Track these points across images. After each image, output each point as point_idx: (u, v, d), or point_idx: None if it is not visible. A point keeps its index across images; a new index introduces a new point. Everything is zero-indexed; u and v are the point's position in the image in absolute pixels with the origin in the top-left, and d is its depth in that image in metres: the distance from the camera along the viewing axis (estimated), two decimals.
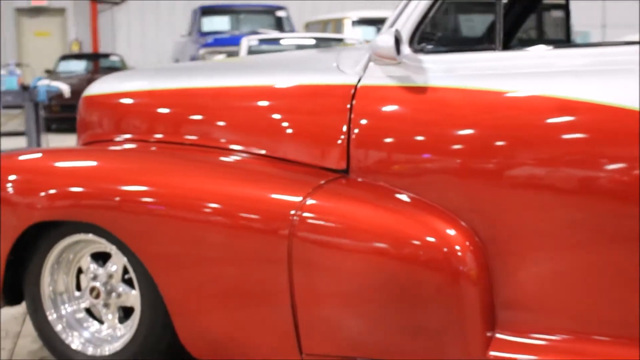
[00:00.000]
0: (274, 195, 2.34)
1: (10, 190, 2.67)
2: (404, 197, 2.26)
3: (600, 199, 2.06)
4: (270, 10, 14.48)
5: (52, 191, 2.60)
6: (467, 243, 2.16)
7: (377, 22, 11.91)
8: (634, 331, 2.07)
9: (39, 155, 2.86)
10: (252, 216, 2.32)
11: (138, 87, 2.93)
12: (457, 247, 2.15)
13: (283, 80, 2.58)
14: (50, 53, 17.96)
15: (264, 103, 2.56)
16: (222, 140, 2.61)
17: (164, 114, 2.78)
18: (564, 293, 2.14)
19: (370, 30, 12.28)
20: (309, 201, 2.26)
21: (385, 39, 2.20)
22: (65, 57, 15.48)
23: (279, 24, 14.02)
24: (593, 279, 2.10)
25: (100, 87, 3.09)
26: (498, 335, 2.18)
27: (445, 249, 2.14)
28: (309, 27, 14.38)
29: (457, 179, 2.21)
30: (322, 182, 2.34)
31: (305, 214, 2.25)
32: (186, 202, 2.40)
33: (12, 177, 2.69)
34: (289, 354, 2.32)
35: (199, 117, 2.70)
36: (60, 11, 19.48)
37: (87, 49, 19.35)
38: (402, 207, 2.24)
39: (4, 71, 7.18)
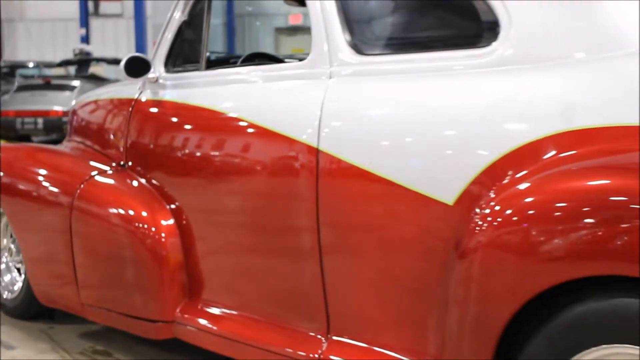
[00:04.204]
0: (74, 174, 3.11)
1: None
2: (144, 188, 2.89)
3: (251, 200, 2.51)
4: None
5: None
6: (173, 230, 2.77)
7: None
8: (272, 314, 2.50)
9: None
10: (56, 189, 3.12)
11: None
12: (163, 235, 2.76)
13: (114, 93, 3.29)
14: None
15: (100, 112, 3.32)
16: (86, 140, 3.39)
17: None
18: (230, 277, 2.64)
19: None
20: (89, 181, 3.01)
21: (122, 63, 2.84)
22: None
23: None
24: (248, 268, 2.56)
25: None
26: (188, 301, 2.73)
27: (156, 236, 2.76)
28: None
29: (174, 176, 2.80)
30: (103, 170, 3.05)
31: (83, 189, 2.99)
32: (27, 182, 3.26)
33: None
34: (74, 302, 3.06)
35: (86, 120, 3.51)
36: None
37: None
38: (140, 195, 2.87)
39: None
